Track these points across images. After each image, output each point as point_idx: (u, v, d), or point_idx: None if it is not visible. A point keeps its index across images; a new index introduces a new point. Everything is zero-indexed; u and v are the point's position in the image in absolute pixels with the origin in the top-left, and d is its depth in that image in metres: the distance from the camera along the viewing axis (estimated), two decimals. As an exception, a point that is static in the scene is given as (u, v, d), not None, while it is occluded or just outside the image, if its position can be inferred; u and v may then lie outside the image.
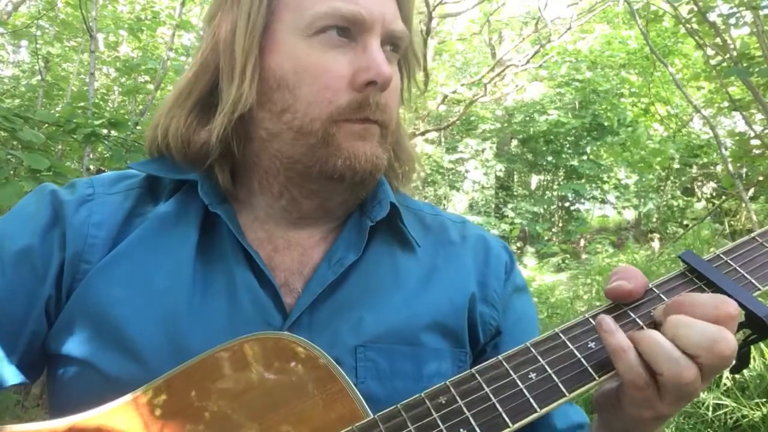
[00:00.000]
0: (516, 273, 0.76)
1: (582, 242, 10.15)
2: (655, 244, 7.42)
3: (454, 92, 7.44)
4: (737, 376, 2.73)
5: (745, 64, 3.37)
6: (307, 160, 0.62)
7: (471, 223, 0.79)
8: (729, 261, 0.57)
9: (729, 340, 0.48)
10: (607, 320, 0.52)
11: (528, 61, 7.04)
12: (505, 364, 0.53)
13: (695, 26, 3.71)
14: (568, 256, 8.92)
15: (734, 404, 2.58)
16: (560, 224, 10.84)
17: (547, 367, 0.52)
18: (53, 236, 0.62)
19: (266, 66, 0.62)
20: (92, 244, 0.62)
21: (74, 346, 0.59)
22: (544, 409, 0.50)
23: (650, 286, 0.56)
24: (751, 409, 2.55)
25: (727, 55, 3.54)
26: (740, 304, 0.52)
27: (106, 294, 0.59)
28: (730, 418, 2.57)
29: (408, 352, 0.63)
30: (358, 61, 0.61)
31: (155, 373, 0.55)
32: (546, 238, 10.13)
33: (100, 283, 0.60)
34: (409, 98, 0.74)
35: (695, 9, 3.49)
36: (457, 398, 0.51)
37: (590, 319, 0.55)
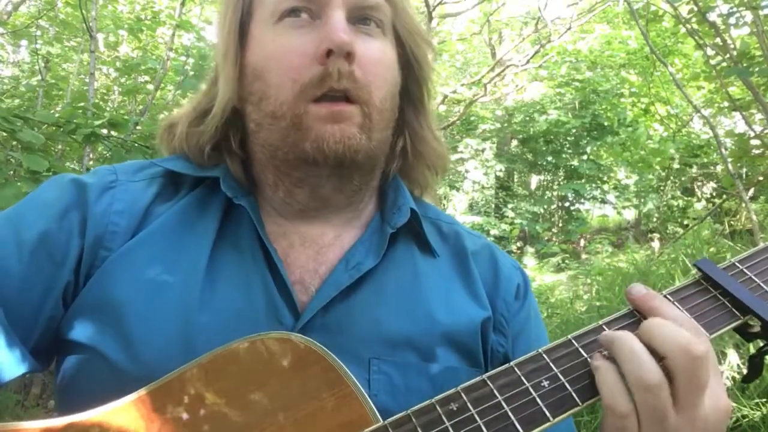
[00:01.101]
0: (530, 298, 0.74)
1: (582, 242, 10.13)
2: (655, 244, 7.40)
3: (454, 92, 7.41)
4: (737, 376, 2.73)
5: (745, 64, 3.37)
6: (284, 145, 0.63)
7: (483, 237, 0.79)
8: (744, 270, 0.57)
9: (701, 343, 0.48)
10: (608, 335, 0.51)
11: (528, 61, 7.02)
12: (517, 371, 0.52)
13: (695, 26, 3.71)
14: (568, 256, 8.90)
15: (734, 404, 2.58)
16: (560, 224, 10.81)
17: (560, 375, 0.52)
18: (72, 220, 0.62)
19: (245, 63, 0.65)
20: (113, 231, 0.62)
21: (83, 331, 0.58)
22: (557, 419, 0.49)
23: (664, 294, 0.56)
24: (751, 409, 2.55)
25: (727, 55, 3.54)
26: (755, 314, 0.51)
27: (119, 283, 0.59)
28: (730, 418, 2.57)
29: (423, 368, 0.62)
30: (320, 35, 0.61)
31: (153, 366, 0.54)
32: (546, 238, 10.10)
33: (115, 271, 0.60)
34: (421, 77, 0.72)
35: (695, 9, 3.49)
36: (470, 405, 0.50)
37: (604, 327, 0.55)
